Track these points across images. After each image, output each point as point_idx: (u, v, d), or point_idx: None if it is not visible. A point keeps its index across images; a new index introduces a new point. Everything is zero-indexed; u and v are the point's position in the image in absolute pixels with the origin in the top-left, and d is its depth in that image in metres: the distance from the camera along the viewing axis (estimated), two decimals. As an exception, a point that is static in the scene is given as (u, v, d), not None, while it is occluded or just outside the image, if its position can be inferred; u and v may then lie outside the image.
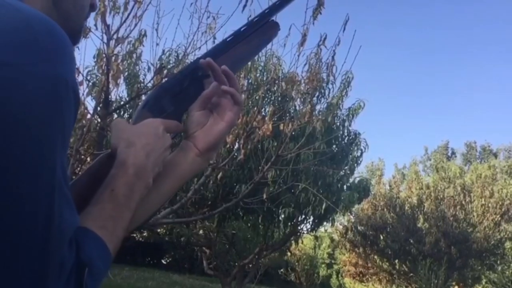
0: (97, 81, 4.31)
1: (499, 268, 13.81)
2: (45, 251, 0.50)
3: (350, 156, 7.68)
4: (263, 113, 5.53)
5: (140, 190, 0.68)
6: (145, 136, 0.72)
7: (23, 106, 0.48)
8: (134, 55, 4.41)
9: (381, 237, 13.99)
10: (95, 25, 3.56)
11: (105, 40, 3.65)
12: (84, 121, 3.64)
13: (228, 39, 0.84)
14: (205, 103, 0.80)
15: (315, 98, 6.12)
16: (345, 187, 7.79)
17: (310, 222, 8.35)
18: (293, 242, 9.74)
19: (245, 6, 3.95)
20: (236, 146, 5.04)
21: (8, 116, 0.47)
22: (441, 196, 13.72)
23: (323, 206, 6.55)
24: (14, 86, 0.47)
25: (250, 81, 5.61)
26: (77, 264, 0.53)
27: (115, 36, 3.67)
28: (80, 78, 3.73)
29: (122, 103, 4.98)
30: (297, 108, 5.99)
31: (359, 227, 14.28)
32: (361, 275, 15.64)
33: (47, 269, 0.50)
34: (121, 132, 0.72)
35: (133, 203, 0.67)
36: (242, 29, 0.85)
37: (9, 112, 0.47)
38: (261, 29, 0.86)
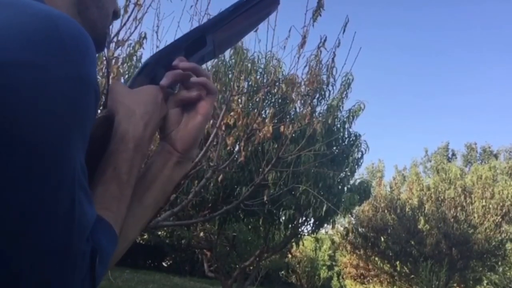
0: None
1: (500, 269, 13.79)
2: (68, 246, 0.50)
3: (351, 157, 7.67)
4: (263, 115, 5.53)
5: (138, 164, 0.66)
6: (145, 105, 0.69)
7: (47, 105, 0.49)
8: (134, 58, 4.41)
9: (382, 239, 13.98)
10: (95, 28, 3.56)
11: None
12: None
13: (228, 11, 0.81)
14: (181, 103, 0.75)
15: (315, 100, 6.13)
16: (345, 188, 7.79)
17: (311, 224, 8.35)
18: (293, 244, 9.73)
19: (245, 8, 3.95)
20: (237, 148, 5.03)
21: (34, 114, 0.48)
22: (442, 198, 13.72)
23: (324, 208, 6.55)
24: (40, 86, 0.49)
25: (250, 83, 5.61)
26: (90, 253, 0.54)
27: (115, 39, 3.67)
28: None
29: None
30: (297, 110, 6.00)
31: (359, 229, 14.28)
32: (362, 277, 15.62)
33: (70, 263, 0.51)
34: (120, 96, 0.69)
35: (133, 178, 0.65)
36: (241, 2, 0.82)
37: (34, 111, 0.48)
38: (262, 3, 0.84)
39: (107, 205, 0.61)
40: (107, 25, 0.73)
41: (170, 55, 0.76)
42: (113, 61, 3.64)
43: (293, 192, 6.83)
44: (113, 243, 0.60)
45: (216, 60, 4.51)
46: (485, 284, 14.36)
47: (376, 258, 14.44)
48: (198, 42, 0.79)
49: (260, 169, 5.07)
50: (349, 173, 7.77)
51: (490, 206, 13.16)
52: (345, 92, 6.83)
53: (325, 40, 4.44)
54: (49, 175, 0.49)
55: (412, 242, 13.48)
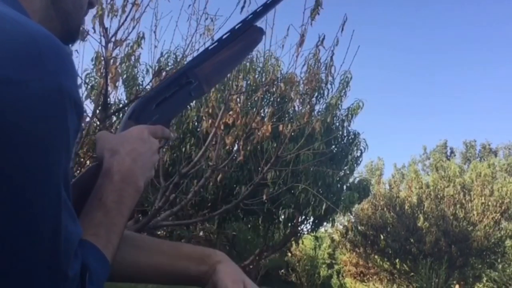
0: (95, 84, 4.31)
1: (500, 266, 13.80)
2: (54, 265, 0.50)
3: (350, 156, 7.69)
4: (262, 114, 5.53)
5: (130, 195, 0.68)
6: (129, 143, 0.72)
7: (28, 120, 0.48)
8: (133, 58, 4.42)
9: (382, 237, 13.99)
10: (93, 28, 3.56)
11: (103, 43, 3.64)
12: (83, 124, 3.64)
13: (209, 47, 0.86)
14: None
15: (314, 99, 6.13)
16: (345, 187, 7.80)
17: (310, 223, 8.36)
18: (293, 242, 9.75)
19: (243, 7, 3.95)
20: (236, 147, 5.03)
21: (15, 130, 0.47)
22: (441, 195, 13.73)
23: (323, 207, 6.55)
24: (21, 101, 0.48)
25: (248, 82, 5.61)
26: (80, 269, 0.54)
27: (113, 39, 3.66)
28: (78, 81, 3.72)
29: (120, 105, 4.96)
30: (296, 109, 5.99)
31: (359, 227, 14.29)
32: (361, 275, 15.63)
33: (57, 282, 0.51)
34: (105, 142, 0.72)
35: (124, 208, 0.67)
36: (224, 37, 0.87)
37: (16, 126, 0.47)
38: (244, 35, 0.88)
39: (94, 231, 0.62)
40: (81, 16, 0.73)
41: (156, 99, 0.82)
42: (111, 61, 3.64)
43: (292, 191, 6.83)
44: (103, 266, 0.60)
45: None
46: (484, 281, 14.38)
47: (376, 256, 14.45)
48: (179, 80, 0.83)
49: (259, 168, 5.07)
50: (348, 172, 7.78)
51: (489, 203, 13.17)
52: (343, 91, 6.84)
53: (323, 39, 4.44)
54: (34, 194, 0.48)
55: (412, 240, 13.50)
